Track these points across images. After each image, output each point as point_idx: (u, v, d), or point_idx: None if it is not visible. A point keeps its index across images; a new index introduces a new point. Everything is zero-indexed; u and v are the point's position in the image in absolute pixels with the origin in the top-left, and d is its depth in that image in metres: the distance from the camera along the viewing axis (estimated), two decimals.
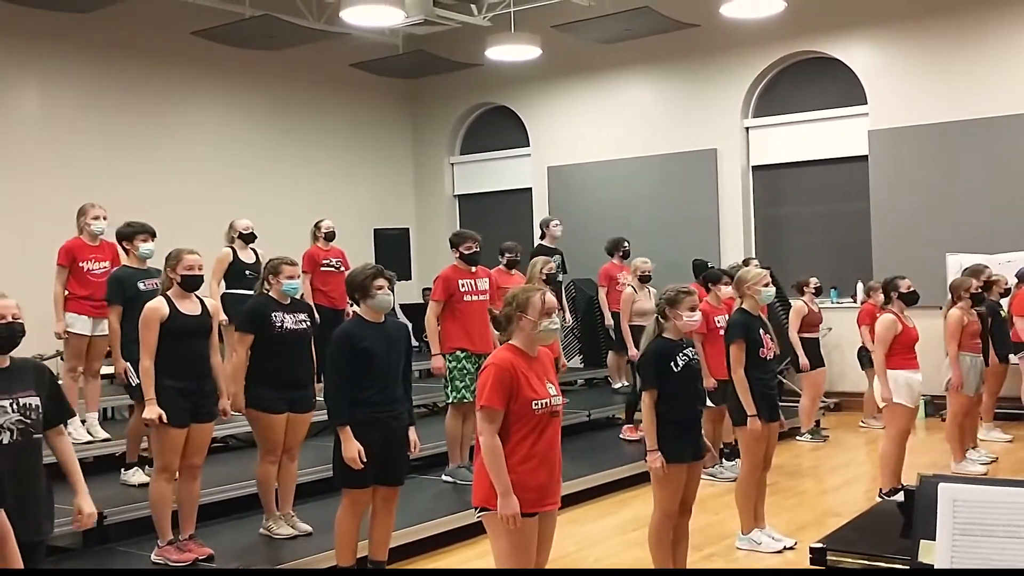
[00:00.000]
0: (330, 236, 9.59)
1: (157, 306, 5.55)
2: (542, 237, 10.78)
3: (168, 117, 11.96)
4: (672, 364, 4.97)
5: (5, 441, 3.55)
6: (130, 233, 6.75)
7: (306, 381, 6.02)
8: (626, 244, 10.61)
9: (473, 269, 7.45)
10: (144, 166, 11.59)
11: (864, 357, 10.10)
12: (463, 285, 7.33)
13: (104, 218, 7.20)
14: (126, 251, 6.83)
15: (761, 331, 6.03)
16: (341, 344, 5.13)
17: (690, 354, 5.05)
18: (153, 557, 5.62)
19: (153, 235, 6.77)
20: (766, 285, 6.16)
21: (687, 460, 5.02)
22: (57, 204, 10.71)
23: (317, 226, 9.62)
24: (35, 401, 3.67)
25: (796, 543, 6.12)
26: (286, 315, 5.89)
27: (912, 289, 7.18)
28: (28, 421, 3.63)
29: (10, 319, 3.67)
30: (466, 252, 7.40)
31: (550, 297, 3.98)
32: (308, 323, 6.02)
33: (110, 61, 11.41)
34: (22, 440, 3.61)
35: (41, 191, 10.64)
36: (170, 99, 11.98)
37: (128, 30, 11.36)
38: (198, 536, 5.75)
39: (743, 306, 6.17)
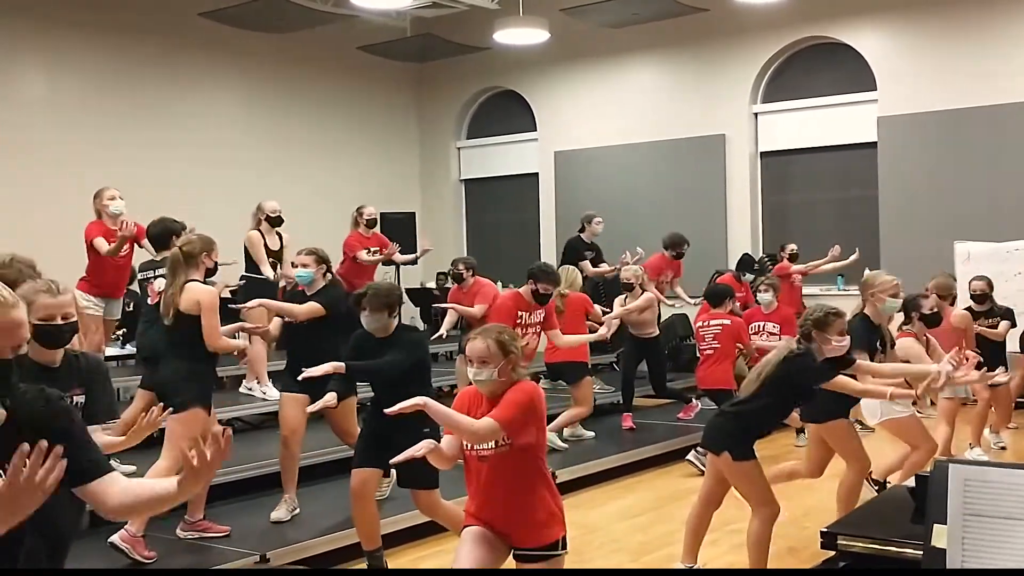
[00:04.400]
0: (372, 223, 9.40)
1: (218, 291, 5.65)
2: (581, 230, 10.60)
3: (175, 99, 11.94)
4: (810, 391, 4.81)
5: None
6: (180, 230, 6.86)
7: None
8: (686, 247, 10.37)
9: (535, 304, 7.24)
10: (150, 148, 11.57)
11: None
12: (520, 316, 7.10)
13: (120, 198, 7.22)
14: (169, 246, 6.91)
15: (878, 343, 5.57)
16: (352, 339, 5.37)
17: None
18: (180, 532, 5.67)
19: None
20: (894, 295, 5.67)
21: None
22: (63, 186, 10.74)
23: (359, 212, 9.38)
24: (81, 399, 3.64)
25: None
26: (301, 301, 5.94)
27: (935, 310, 6.63)
28: None
29: (59, 321, 3.44)
30: (542, 292, 7.12)
31: (471, 346, 3.69)
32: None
33: (117, 42, 11.38)
34: None
35: (48, 173, 10.64)
36: (177, 81, 11.96)
37: (136, 11, 11.34)
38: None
39: (865, 311, 5.68)
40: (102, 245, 7.11)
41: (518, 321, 7.04)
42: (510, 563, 3.80)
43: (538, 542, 3.66)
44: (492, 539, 3.69)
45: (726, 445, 4.82)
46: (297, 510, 6.07)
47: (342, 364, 5.03)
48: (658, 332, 9.11)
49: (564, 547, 3.71)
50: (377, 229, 9.59)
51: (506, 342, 3.67)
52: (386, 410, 3.61)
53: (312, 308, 5.89)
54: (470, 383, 3.78)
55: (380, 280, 5.70)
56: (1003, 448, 8.66)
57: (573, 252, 10.29)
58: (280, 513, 6.03)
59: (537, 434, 3.68)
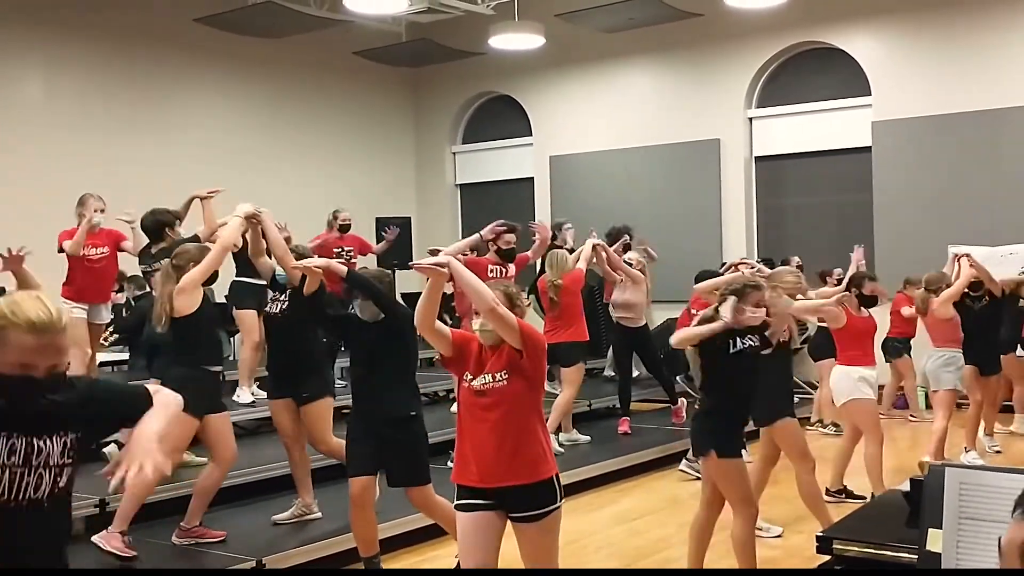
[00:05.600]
0: (344, 228, 9.59)
1: None
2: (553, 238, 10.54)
3: (170, 103, 11.94)
4: (728, 347, 4.81)
5: None
6: (173, 221, 6.95)
7: (282, 369, 6.01)
8: (628, 237, 10.36)
9: None
10: (145, 152, 11.57)
11: (889, 348, 10.16)
12: (491, 271, 7.82)
13: (103, 210, 7.29)
14: (164, 237, 6.93)
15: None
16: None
17: (752, 340, 4.85)
18: (176, 539, 5.67)
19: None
20: (792, 295, 5.89)
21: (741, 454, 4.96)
22: (59, 187, 10.72)
23: (334, 215, 9.59)
24: None
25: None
26: (279, 296, 5.89)
27: (874, 294, 6.84)
28: None
29: None
30: (504, 248, 7.87)
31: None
32: (286, 307, 5.84)
33: (113, 47, 11.39)
34: None
35: (44, 175, 10.63)
36: (172, 85, 11.96)
37: (131, 16, 11.35)
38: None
39: None
40: (67, 245, 7.22)
41: (490, 275, 7.44)
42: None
43: (532, 478, 3.74)
44: (487, 523, 3.76)
45: (712, 444, 4.82)
46: (309, 516, 6.06)
47: (345, 268, 5.05)
48: (645, 323, 9.17)
49: (560, 495, 3.80)
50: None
51: (513, 295, 3.88)
52: (411, 263, 3.75)
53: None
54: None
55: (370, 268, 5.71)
56: (998, 452, 8.68)
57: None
58: (282, 515, 6.05)
59: (541, 374, 3.83)
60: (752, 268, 8.11)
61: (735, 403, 4.91)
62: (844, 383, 6.63)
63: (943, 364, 7.70)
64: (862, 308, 6.76)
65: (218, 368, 5.77)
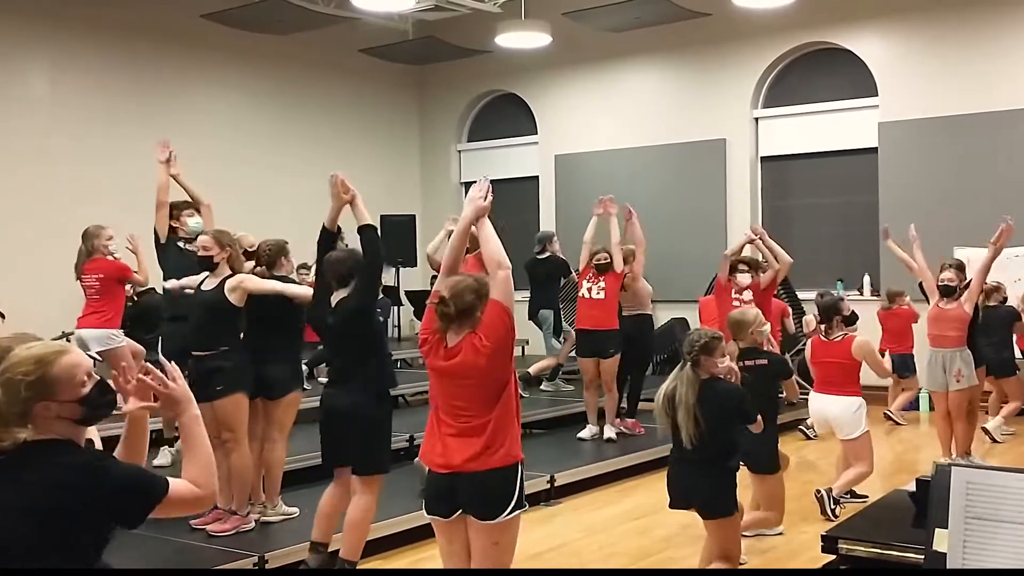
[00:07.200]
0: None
1: None
2: (542, 251, 10.14)
3: (176, 100, 11.94)
4: None
5: None
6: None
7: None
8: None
9: None
10: (150, 147, 11.50)
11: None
12: None
13: (112, 237, 7.42)
14: (174, 228, 7.08)
15: None
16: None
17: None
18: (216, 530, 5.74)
19: (198, 210, 7.25)
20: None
21: None
22: (64, 184, 10.74)
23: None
24: None
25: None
26: None
27: (853, 312, 7.04)
28: None
29: None
30: None
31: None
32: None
33: (119, 43, 11.39)
34: None
35: (49, 171, 10.63)
36: (178, 82, 11.96)
37: (138, 12, 11.34)
38: None
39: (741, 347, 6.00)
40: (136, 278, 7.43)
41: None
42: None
43: (506, 460, 3.71)
44: (457, 530, 3.76)
45: (731, 505, 4.81)
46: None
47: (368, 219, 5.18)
48: (650, 312, 9.14)
49: (522, 502, 3.76)
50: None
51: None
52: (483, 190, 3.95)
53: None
54: None
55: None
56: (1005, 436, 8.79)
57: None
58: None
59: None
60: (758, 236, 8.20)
61: (732, 451, 4.92)
62: (860, 414, 6.69)
63: (925, 364, 7.97)
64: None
65: None
